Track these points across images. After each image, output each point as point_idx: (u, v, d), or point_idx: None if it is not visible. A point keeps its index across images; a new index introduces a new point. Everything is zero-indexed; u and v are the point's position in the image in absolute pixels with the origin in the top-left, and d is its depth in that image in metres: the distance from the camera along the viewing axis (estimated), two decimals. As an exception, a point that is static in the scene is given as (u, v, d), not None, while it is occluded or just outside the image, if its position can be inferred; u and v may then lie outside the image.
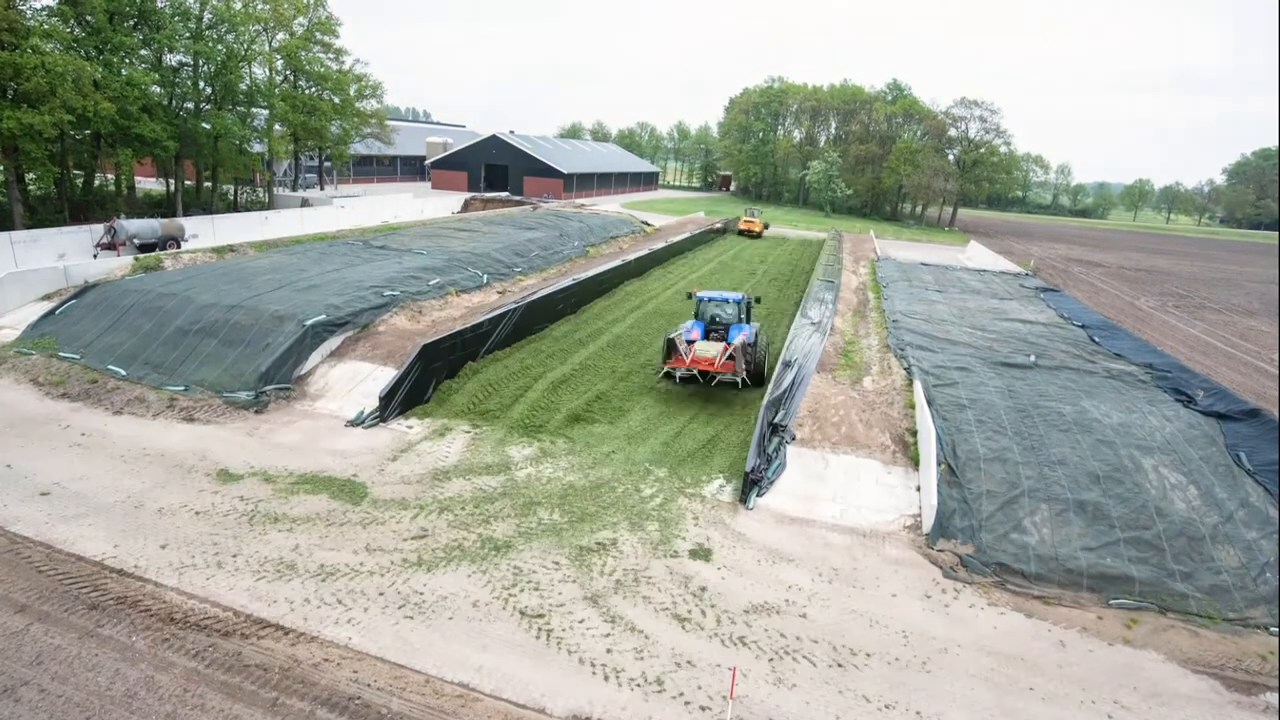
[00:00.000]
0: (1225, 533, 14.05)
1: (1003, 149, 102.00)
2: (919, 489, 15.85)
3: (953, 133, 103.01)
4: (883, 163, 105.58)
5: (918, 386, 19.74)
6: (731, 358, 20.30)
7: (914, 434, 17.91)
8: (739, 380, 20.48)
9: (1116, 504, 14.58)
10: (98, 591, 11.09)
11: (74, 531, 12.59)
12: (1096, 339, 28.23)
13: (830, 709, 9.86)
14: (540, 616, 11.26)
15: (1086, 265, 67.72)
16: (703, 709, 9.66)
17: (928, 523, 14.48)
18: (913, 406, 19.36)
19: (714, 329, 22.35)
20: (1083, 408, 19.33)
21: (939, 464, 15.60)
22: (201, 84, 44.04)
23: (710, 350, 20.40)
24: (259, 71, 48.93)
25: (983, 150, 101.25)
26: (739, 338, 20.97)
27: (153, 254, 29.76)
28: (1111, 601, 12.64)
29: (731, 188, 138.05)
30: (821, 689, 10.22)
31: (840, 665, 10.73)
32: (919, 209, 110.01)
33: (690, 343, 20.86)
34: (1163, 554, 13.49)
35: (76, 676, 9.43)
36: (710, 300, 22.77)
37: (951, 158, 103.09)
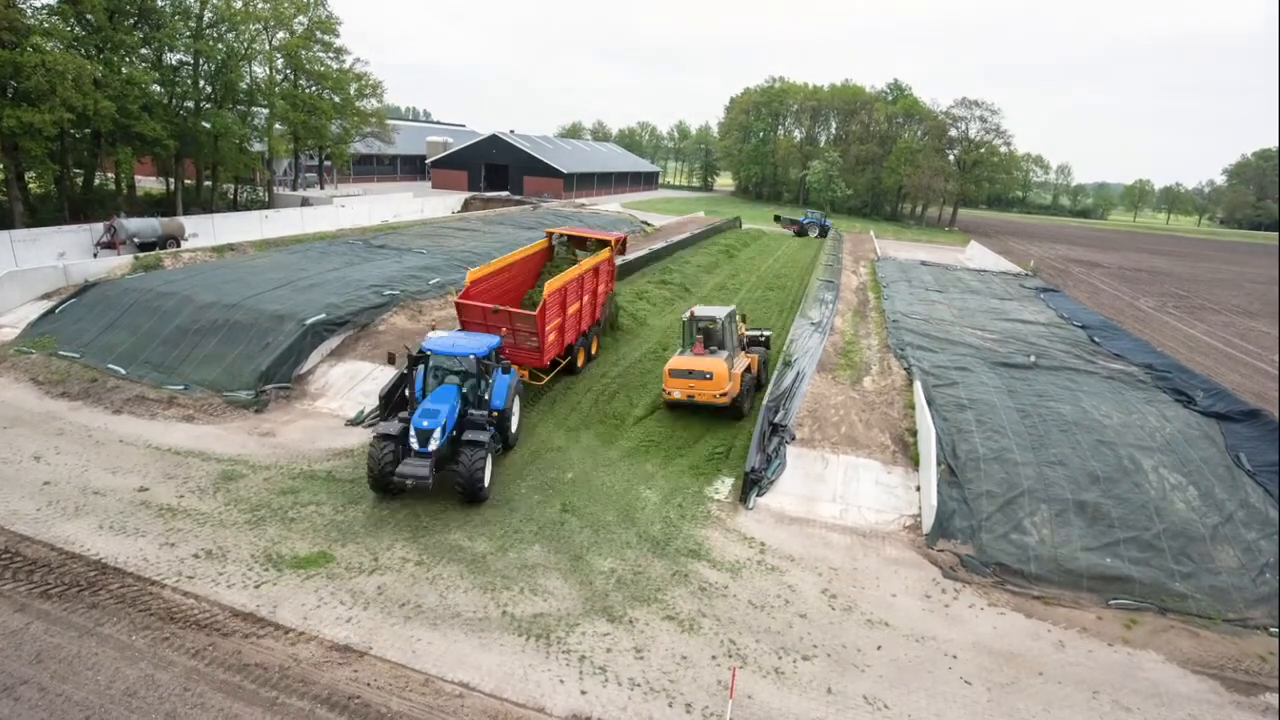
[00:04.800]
0: (1225, 533, 14.05)
1: (1003, 149, 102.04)
2: (919, 489, 15.84)
3: (953, 133, 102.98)
4: (883, 163, 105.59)
5: (918, 386, 19.74)
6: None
7: (914, 434, 17.90)
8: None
9: (1116, 504, 14.58)
10: (97, 590, 11.09)
11: (73, 530, 12.58)
12: (1096, 339, 28.23)
13: (829, 708, 9.86)
14: (540, 616, 11.26)
15: (1086, 265, 67.72)
16: (703, 708, 9.66)
17: (927, 523, 14.48)
18: (913, 407, 19.35)
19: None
20: (1083, 408, 19.32)
21: (939, 464, 15.60)
22: (202, 83, 43.96)
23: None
24: (259, 70, 48.86)
25: (983, 150, 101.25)
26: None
27: (153, 253, 29.74)
28: (1111, 602, 12.64)
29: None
30: (821, 688, 10.22)
31: (839, 665, 10.73)
32: (919, 209, 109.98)
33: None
34: (1162, 554, 13.49)
35: (76, 675, 9.42)
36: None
37: (952, 158, 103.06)
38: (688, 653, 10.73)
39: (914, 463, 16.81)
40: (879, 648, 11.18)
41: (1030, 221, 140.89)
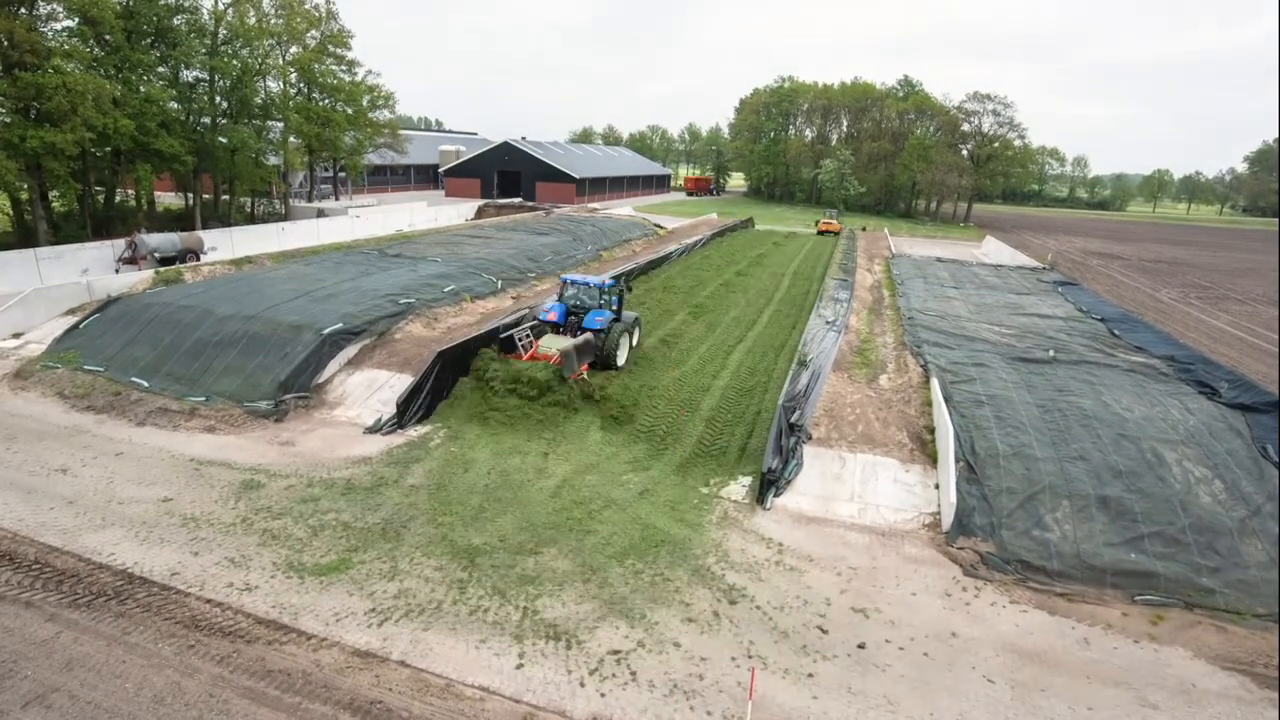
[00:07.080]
0: (1252, 526, 13.81)
1: (1017, 143, 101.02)
2: (937, 487, 15.72)
3: (966, 127, 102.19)
4: (896, 160, 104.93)
5: (935, 383, 19.59)
6: (565, 355, 19.25)
7: (931, 431, 17.77)
8: (563, 375, 19.26)
9: (1140, 499, 14.37)
10: (124, 599, 11.29)
11: (100, 540, 12.81)
12: (1116, 332, 27.87)
13: (850, 709, 9.80)
14: (560, 619, 11.29)
15: (1105, 258, 66.83)
16: (723, 710, 9.65)
17: (947, 520, 14.36)
18: (930, 404, 19.21)
19: (574, 313, 22.10)
20: (1103, 402, 19.08)
21: (957, 461, 15.47)
22: (217, 99, 44.70)
23: (552, 346, 20.20)
24: (273, 85, 49.64)
25: (997, 144, 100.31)
26: (582, 336, 20.55)
27: (173, 267, 30.25)
28: (1136, 598, 12.47)
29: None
30: (841, 689, 10.16)
31: (860, 665, 10.67)
32: (933, 205, 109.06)
33: (539, 336, 21.37)
34: (1188, 549, 13.28)
35: (105, 683, 9.59)
36: (572, 283, 22.55)
37: (965, 153, 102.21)
38: (707, 654, 10.71)
39: (932, 460, 16.68)
40: (900, 647, 11.10)
41: (1047, 215, 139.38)
